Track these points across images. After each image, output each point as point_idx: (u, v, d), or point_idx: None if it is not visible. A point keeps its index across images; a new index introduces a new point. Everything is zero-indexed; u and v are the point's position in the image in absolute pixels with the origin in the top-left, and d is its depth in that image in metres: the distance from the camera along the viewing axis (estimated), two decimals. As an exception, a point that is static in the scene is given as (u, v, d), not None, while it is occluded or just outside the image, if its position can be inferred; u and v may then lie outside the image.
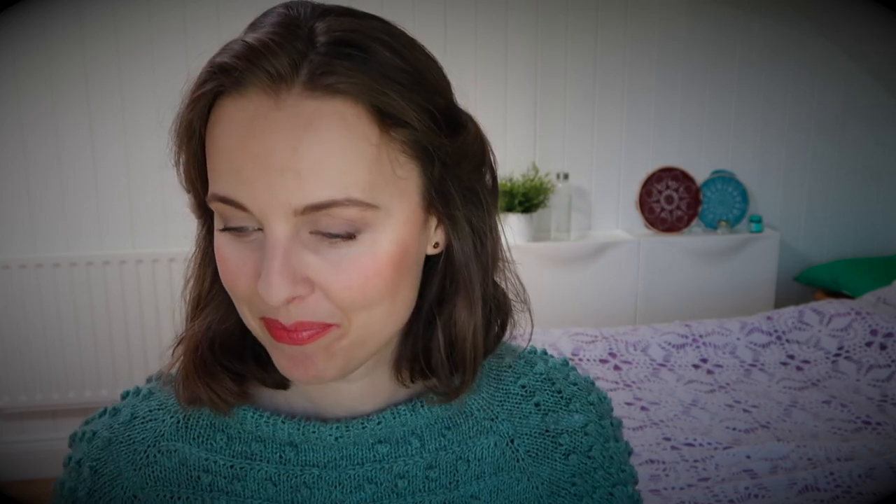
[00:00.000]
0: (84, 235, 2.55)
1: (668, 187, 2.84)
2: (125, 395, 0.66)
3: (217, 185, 0.50)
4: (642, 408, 1.94)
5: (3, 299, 2.47)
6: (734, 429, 1.82)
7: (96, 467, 0.61)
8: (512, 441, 0.63)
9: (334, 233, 0.49)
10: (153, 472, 0.60)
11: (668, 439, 1.77)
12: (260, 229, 0.50)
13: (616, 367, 2.13)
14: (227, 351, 0.58)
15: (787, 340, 2.24)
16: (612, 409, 0.69)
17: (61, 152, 2.50)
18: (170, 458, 0.60)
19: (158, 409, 0.62)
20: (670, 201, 2.85)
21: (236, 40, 0.50)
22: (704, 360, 2.18)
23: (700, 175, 2.88)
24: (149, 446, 0.61)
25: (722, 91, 2.88)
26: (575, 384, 0.67)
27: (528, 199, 2.60)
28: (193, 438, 0.61)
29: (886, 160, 3.05)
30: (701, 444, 1.74)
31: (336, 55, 0.47)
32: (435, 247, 0.57)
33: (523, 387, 0.65)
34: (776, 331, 2.26)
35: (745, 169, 2.93)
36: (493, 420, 0.63)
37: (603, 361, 2.14)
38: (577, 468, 0.64)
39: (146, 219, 2.57)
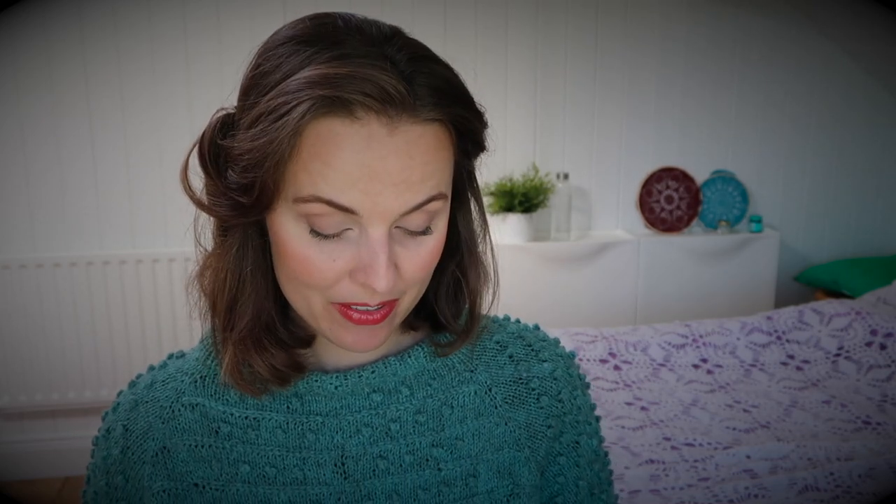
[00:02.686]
0: (84, 235, 2.55)
1: (668, 187, 2.85)
2: (138, 376, 0.73)
3: (325, 192, 0.55)
4: (642, 408, 1.94)
5: (3, 299, 2.47)
6: (734, 429, 1.82)
7: (127, 425, 0.69)
8: (490, 389, 0.70)
9: (417, 230, 0.58)
10: (178, 424, 0.67)
11: (668, 439, 1.77)
12: (349, 229, 0.57)
13: (616, 367, 2.13)
14: (268, 332, 0.64)
15: (787, 340, 2.24)
16: (578, 366, 0.76)
17: (61, 152, 2.50)
18: (192, 412, 0.68)
19: (176, 373, 0.70)
20: (670, 201, 2.85)
21: (330, 63, 0.54)
22: (704, 360, 2.18)
23: (700, 175, 2.88)
24: (172, 402, 0.68)
25: (722, 91, 2.88)
26: (544, 340, 0.74)
27: (528, 199, 2.60)
28: (210, 394, 0.68)
29: (886, 160, 3.05)
30: (701, 444, 1.74)
31: (428, 87, 0.55)
32: None
33: (498, 342, 0.73)
34: (776, 331, 2.26)
35: (745, 169, 2.93)
36: (472, 371, 0.70)
37: (603, 361, 2.14)
38: (549, 411, 0.71)
39: (146, 219, 2.58)
